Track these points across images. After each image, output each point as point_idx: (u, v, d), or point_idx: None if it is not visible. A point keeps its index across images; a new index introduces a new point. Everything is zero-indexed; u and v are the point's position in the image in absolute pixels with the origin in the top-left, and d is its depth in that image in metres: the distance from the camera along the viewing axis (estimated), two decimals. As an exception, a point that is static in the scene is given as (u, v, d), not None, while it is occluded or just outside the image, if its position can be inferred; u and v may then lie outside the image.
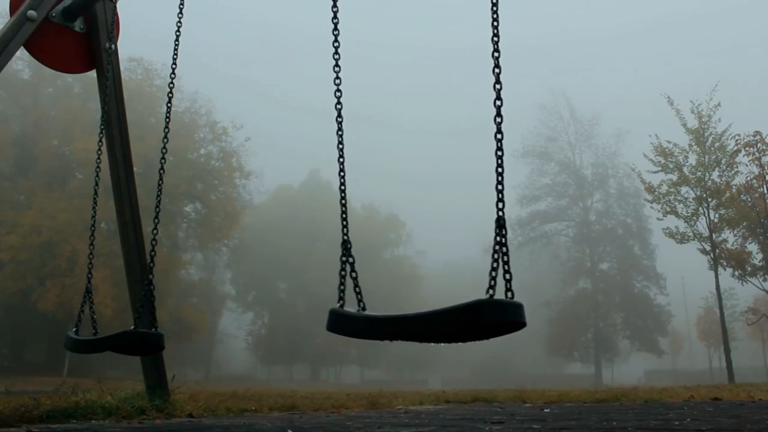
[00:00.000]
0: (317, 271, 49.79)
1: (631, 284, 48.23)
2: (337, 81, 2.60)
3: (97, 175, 4.25)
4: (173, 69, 3.91)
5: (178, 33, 3.87)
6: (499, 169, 1.98)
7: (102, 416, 3.93)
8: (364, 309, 2.18)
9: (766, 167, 21.87)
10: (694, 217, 22.32)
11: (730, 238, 22.79)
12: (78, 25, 4.59)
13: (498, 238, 1.89)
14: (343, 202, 2.48)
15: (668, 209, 22.64)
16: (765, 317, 26.99)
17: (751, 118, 26.74)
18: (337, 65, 2.62)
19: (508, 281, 1.85)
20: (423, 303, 46.28)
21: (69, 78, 32.16)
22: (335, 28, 2.66)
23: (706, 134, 22.38)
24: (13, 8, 4.24)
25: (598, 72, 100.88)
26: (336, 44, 2.65)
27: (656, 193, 23.07)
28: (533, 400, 6.91)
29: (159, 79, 36.08)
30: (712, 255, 21.92)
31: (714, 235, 22.03)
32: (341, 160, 2.53)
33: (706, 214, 22.19)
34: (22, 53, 4.83)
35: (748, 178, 22.25)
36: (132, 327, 3.67)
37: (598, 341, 46.99)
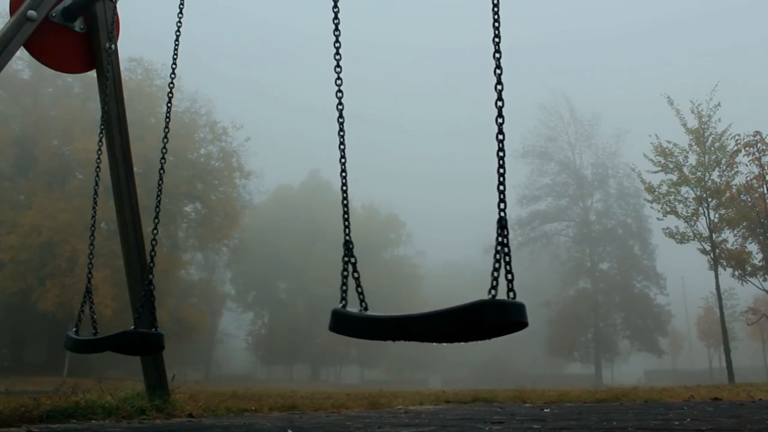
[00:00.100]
0: (317, 271, 49.81)
1: (631, 284, 48.20)
2: (338, 81, 2.58)
3: (97, 175, 4.24)
4: (173, 69, 3.91)
5: (178, 33, 3.87)
6: (501, 170, 1.97)
7: (102, 416, 3.93)
8: (366, 309, 2.18)
9: (766, 167, 21.86)
10: (694, 217, 22.33)
11: (730, 238, 22.84)
12: (78, 25, 4.58)
13: (500, 239, 1.89)
14: (345, 202, 2.48)
15: (668, 209, 22.65)
16: (765, 317, 26.98)
17: (751, 118, 26.76)
18: (338, 65, 2.61)
19: (510, 281, 1.85)
20: (423, 303, 46.32)
21: (69, 78, 32.16)
22: (336, 29, 2.65)
23: (706, 134, 22.38)
24: (13, 8, 4.23)
25: (598, 72, 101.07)
26: (337, 44, 2.63)
27: (656, 193, 23.07)
28: (533, 400, 6.91)
29: (159, 79, 36.11)
30: (712, 255, 21.92)
31: (714, 235, 22.03)
32: (343, 160, 2.50)
33: (706, 214, 22.20)
34: (22, 53, 4.82)
35: (748, 178, 22.28)
36: (132, 327, 3.67)
37: (598, 341, 46.97)
